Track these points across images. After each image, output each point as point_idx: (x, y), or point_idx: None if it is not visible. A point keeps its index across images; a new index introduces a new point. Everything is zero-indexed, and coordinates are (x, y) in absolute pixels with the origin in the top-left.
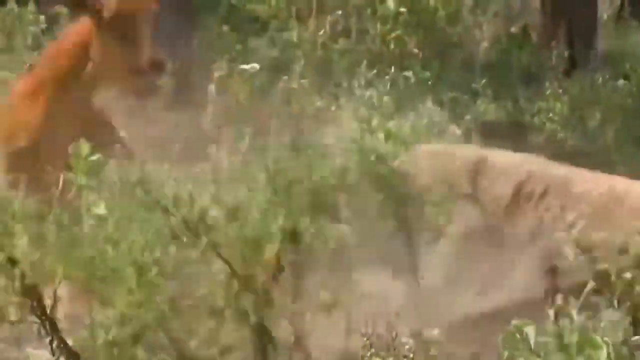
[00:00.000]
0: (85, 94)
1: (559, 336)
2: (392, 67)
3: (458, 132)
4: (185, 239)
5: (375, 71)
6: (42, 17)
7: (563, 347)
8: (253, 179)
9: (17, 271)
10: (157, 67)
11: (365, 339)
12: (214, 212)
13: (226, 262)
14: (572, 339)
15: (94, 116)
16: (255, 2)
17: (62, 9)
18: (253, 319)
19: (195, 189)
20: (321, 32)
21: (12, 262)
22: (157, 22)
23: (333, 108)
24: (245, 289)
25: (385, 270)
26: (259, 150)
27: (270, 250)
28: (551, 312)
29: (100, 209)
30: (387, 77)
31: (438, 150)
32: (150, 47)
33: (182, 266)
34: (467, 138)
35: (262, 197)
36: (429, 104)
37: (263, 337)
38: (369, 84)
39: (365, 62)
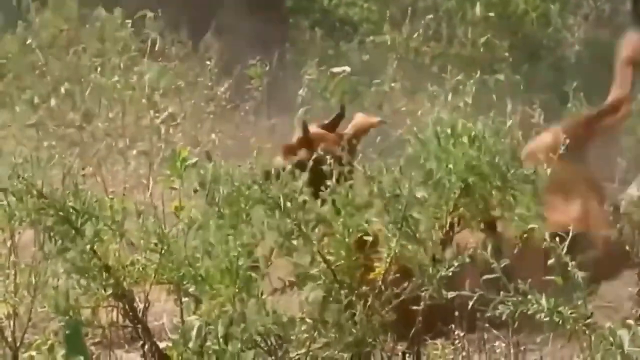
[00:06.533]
0: None
1: None
2: (482, 71)
3: None
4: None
5: (464, 74)
6: None
7: None
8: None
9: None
10: None
11: None
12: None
13: (331, 269)
14: None
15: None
16: (347, 6)
17: None
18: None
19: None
20: (415, 36)
21: (106, 267)
22: None
23: (420, 112)
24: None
25: None
26: None
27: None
28: None
29: (193, 212)
30: (473, 80)
31: None
32: None
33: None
34: None
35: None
36: (519, 106)
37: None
38: (458, 87)
39: (454, 65)
